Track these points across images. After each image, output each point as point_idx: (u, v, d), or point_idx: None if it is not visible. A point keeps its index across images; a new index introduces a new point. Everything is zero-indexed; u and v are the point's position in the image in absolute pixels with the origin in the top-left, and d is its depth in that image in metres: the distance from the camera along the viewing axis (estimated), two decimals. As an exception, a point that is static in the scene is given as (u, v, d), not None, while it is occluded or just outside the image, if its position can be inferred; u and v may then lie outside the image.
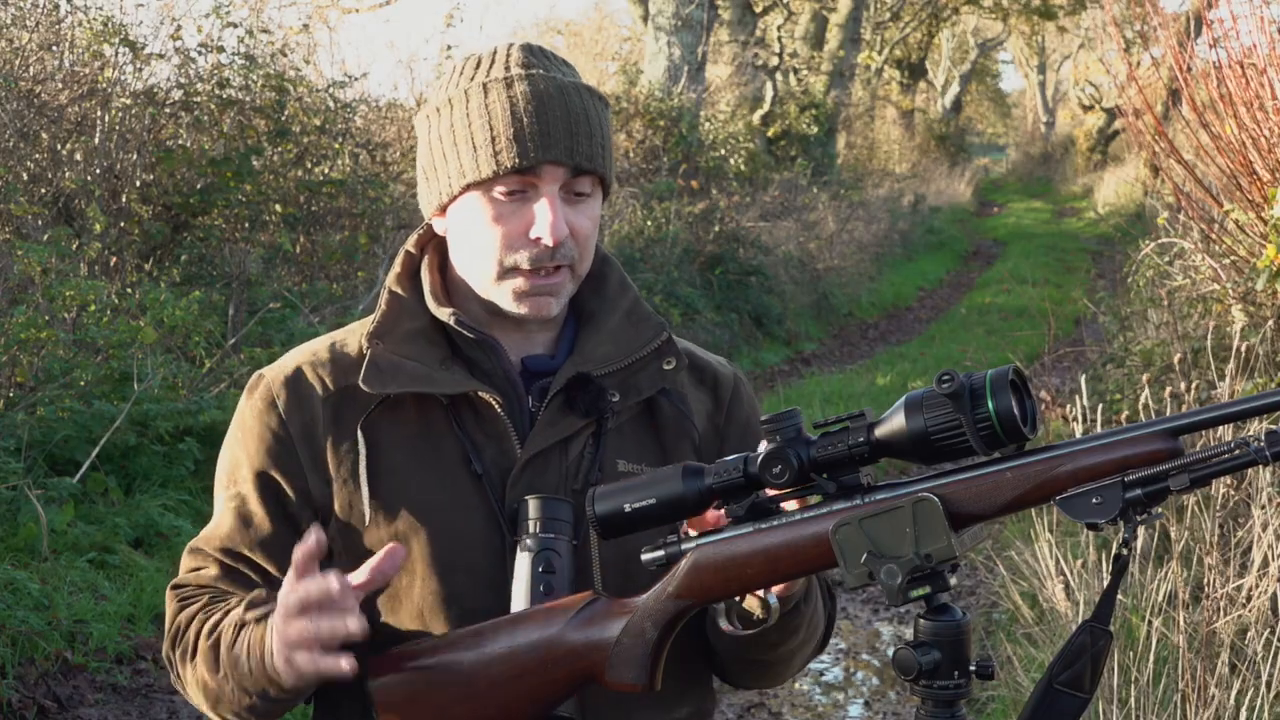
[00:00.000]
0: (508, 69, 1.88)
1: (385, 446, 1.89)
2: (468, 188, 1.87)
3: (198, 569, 1.93)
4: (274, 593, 1.79)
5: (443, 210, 1.93)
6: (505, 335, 1.94)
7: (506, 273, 1.87)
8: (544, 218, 1.85)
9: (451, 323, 1.91)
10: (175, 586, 1.94)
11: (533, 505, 1.80)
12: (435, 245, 1.98)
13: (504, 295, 1.89)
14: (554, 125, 1.85)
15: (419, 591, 1.87)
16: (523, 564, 1.79)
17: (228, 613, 1.83)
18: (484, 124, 1.85)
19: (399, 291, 1.95)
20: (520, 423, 1.90)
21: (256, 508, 1.90)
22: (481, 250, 1.88)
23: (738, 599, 1.76)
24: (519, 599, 1.78)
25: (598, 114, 1.90)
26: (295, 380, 1.92)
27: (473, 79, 1.89)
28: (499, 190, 1.86)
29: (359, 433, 1.88)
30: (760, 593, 1.75)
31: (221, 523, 1.92)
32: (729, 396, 2.02)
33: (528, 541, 1.79)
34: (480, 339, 1.91)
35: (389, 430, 1.89)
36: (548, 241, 1.84)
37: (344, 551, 1.90)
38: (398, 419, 1.90)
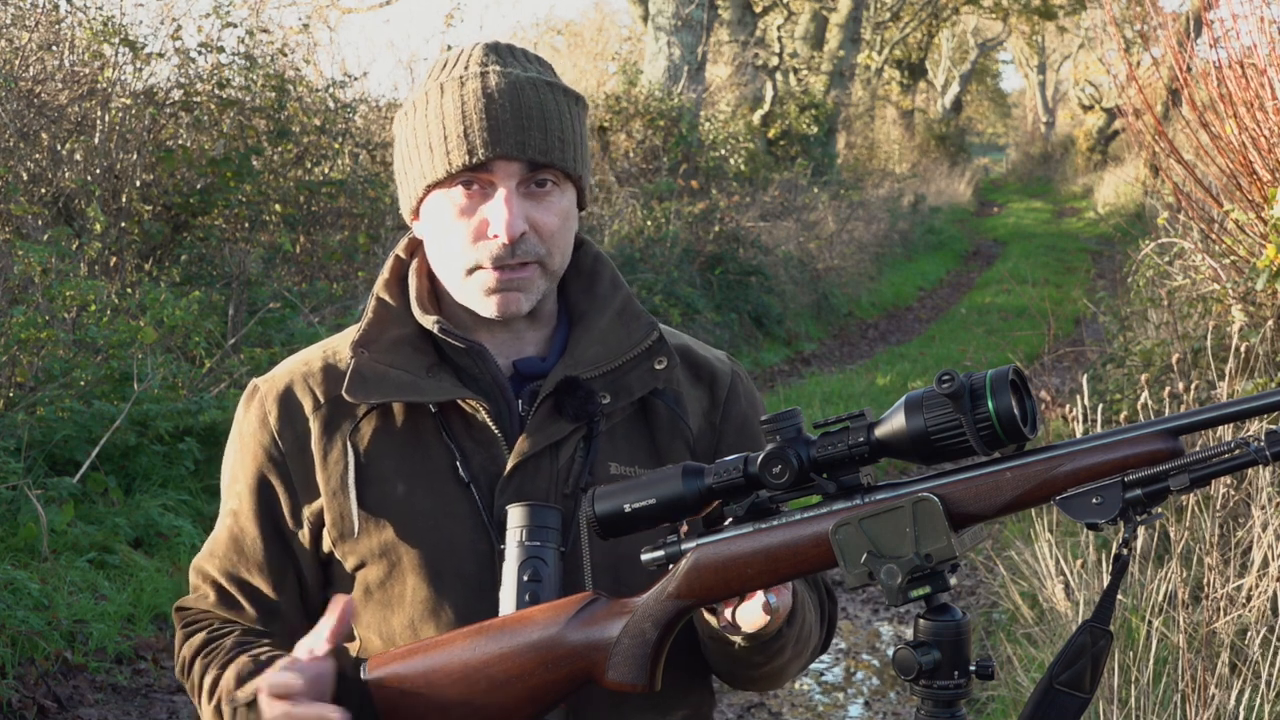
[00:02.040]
0: (466, 67, 1.88)
1: (374, 455, 1.89)
2: (429, 189, 1.88)
3: (199, 593, 1.96)
4: (258, 654, 1.84)
5: (416, 213, 1.93)
6: (494, 338, 1.93)
7: (471, 271, 1.87)
8: (498, 214, 1.84)
9: (436, 330, 1.90)
10: (180, 609, 1.97)
11: (518, 513, 1.79)
12: (424, 251, 1.98)
13: (473, 294, 1.88)
14: (502, 120, 1.83)
15: (410, 599, 1.87)
16: (509, 572, 1.78)
17: (223, 665, 1.86)
18: (438, 124, 1.85)
19: (386, 298, 1.94)
20: (509, 428, 1.89)
21: (249, 525, 1.92)
22: (448, 250, 1.88)
23: (719, 628, 1.76)
24: (506, 607, 1.77)
25: (558, 108, 1.88)
26: (286, 395, 1.93)
27: (436, 80, 1.89)
28: (458, 189, 1.86)
29: (347, 442, 1.89)
30: (733, 625, 1.75)
31: (218, 540, 1.95)
32: (725, 394, 2.01)
33: (514, 550, 1.78)
34: (467, 346, 1.90)
35: (377, 439, 1.89)
36: (504, 239, 1.84)
37: (338, 562, 1.91)
38: (386, 428, 1.90)
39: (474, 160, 1.83)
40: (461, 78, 1.86)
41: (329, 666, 1.72)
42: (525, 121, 1.84)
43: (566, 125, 1.88)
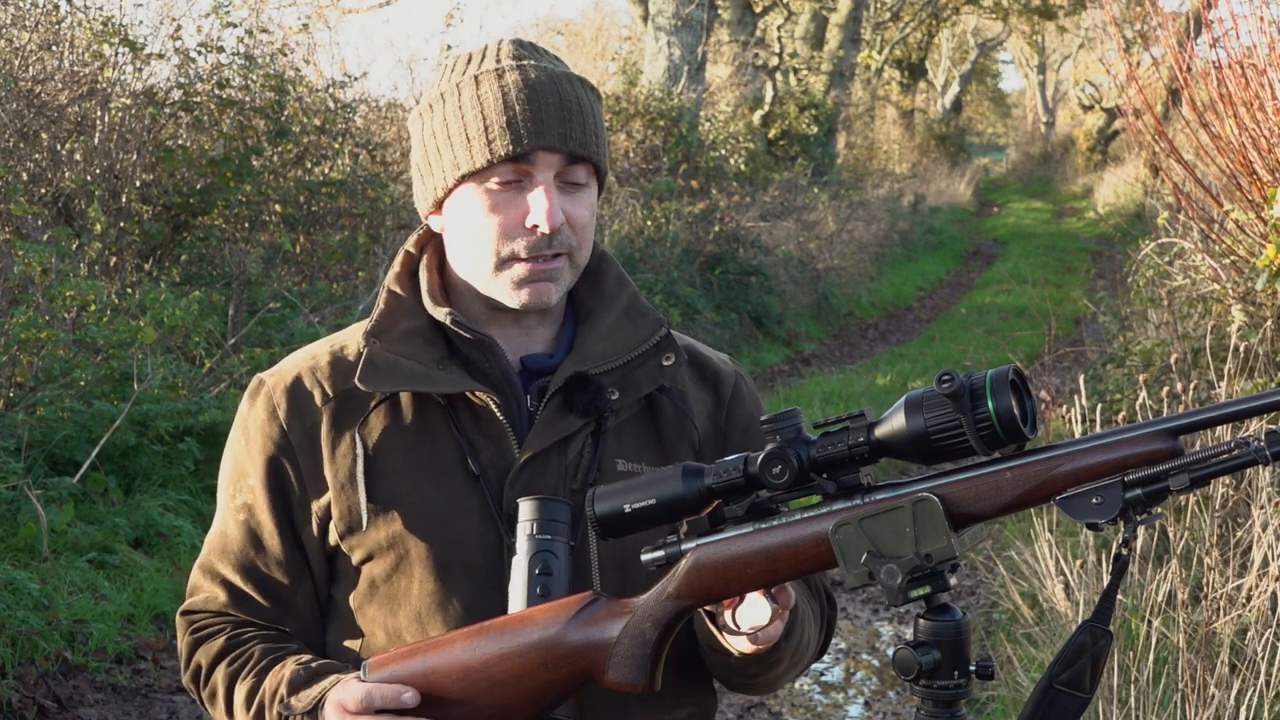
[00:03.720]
0: (499, 61, 1.88)
1: (383, 448, 1.89)
2: (462, 179, 1.87)
3: (206, 594, 1.94)
4: (307, 661, 1.83)
5: (439, 206, 1.92)
6: (503, 334, 1.93)
7: (504, 262, 1.87)
8: (539, 204, 1.84)
9: (448, 322, 1.90)
10: (186, 613, 1.95)
11: (529, 506, 1.79)
12: (434, 245, 1.98)
13: (503, 286, 1.88)
14: (546, 112, 1.84)
15: (417, 593, 1.87)
16: (519, 566, 1.78)
17: (260, 673, 1.85)
18: (476, 114, 1.85)
19: (398, 291, 1.95)
20: (518, 423, 1.90)
21: (265, 518, 1.91)
22: (479, 242, 1.87)
23: (719, 628, 1.76)
24: (516, 601, 1.78)
25: (590, 103, 1.89)
26: (295, 388, 1.92)
27: (464, 73, 1.89)
28: (494, 180, 1.86)
29: (356, 435, 1.88)
30: (732, 626, 1.74)
31: (229, 536, 1.93)
32: (730, 395, 2.02)
33: (524, 543, 1.78)
34: (478, 339, 1.91)
35: (386, 432, 1.89)
36: (544, 228, 1.84)
37: (344, 557, 1.91)
38: (395, 421, 1.90)
39: (518, 150, 1.83)
40: (498, 70, 1.87)
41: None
42: (567, 114, 1.85)
43: (599, 121, 1.90)
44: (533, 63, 1.88)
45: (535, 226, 1.84)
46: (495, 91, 1.85)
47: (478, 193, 1.87)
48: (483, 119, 1.85)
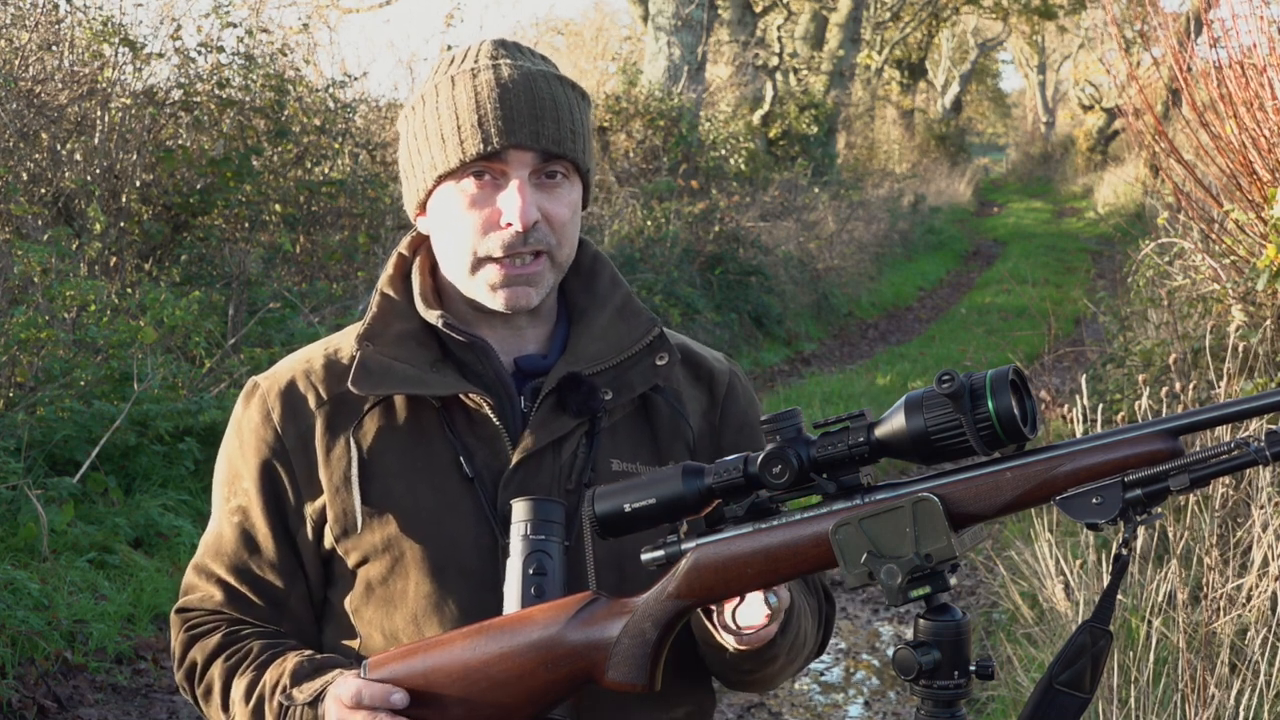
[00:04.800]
0: (476, 61, 1.89)
1: (377, 451, 1.89)
2: (439, 180, 1.88)
3: (202, 593, 1.94)
4: (310, 655, 1.83)
5: (423, 208, 1.93)
6: (496, 335, 1.94)
7: (480, 263, 1.87)
8: (512, 202, 1.85)
9: (440, 325, 1.90)
10: (180, 611, 1.95)
11: (522, 507, 1.79)
12: (427, 247, 1.98)
13: (481, 287, 1.88)
14: (517, 110, 1.84)
15: (413, 595, 1.87)
16: (513, 566, 1.78)
17: (259, 666, 1.85)
18: (450, 115, 1.86)
19: (390, 294, 1.95)
20: (512, 424, 1.90)
21: (259, 522, 1.91)
22: (456, 242, 1.88)
23: (720, 625, 1.76)
24: (511, 601, 1.78)
25: (568, 101, 1.89)
26: (289, 391, 1.93)
27: (445, 74, 1.90)
28: (469, 179, 1.86)
29: (350, 438, 1.89)
30: (730, 624, 1.74)
31: (224, 537, 1.94)
32: (724, 394, 2.02)
33: (518, 543, 1.79)
34: (470, 341, 1.91)
35: (380, 435, 1.89)
36: (517, 226, 1.84)
37: (339, 560, 1.91)
38: (389, 424, 1.90)
39: (489, 149, 1.83)
40: (473, 70, 1.87)
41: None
42: (539, 112, 1.85)
43: (577, 119, 1.90)
44: (509, 61, 1.88)
45: (509, 224, 1.85)
46: (468, 91, 1.86)
47: (455, 192, 1.87)
48: (456, 119, 1.85)
